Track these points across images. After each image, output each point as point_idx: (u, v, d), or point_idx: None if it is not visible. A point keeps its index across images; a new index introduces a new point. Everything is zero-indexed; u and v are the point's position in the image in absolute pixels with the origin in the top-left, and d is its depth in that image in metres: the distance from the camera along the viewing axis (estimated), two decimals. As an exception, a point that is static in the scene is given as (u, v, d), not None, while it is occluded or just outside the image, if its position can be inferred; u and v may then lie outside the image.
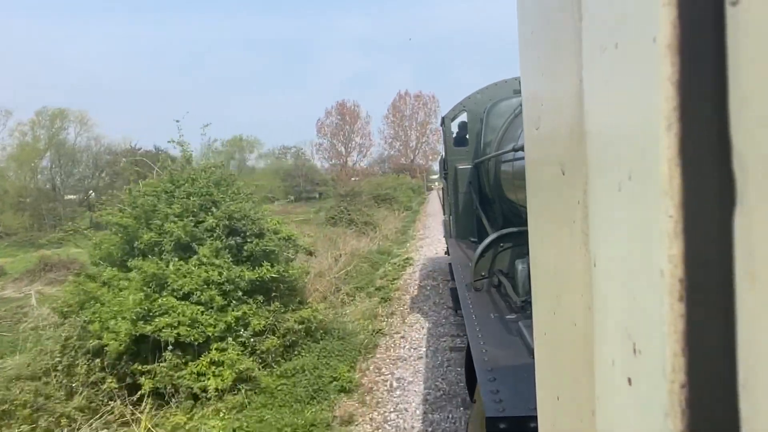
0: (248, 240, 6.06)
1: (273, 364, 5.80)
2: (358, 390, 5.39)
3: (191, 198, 6.19)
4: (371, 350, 6.55)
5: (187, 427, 4.70)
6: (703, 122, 0.36)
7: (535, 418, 0.82)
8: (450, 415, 4.67)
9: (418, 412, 4.83)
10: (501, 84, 7.03)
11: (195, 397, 5.09)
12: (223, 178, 6.95)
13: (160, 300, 5.24)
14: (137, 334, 5.01)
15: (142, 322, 5.07)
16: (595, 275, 0.52)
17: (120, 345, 4.90)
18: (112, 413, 4.80)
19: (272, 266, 6.03)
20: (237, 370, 5.17)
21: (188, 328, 5.15)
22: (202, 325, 5.27)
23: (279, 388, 5.33)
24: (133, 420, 4.72)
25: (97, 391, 4.99)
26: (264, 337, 5.81)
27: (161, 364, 5.05)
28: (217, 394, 5.03)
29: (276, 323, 6.05)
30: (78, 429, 4.56)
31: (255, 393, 5.23)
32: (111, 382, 4.96)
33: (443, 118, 7.66)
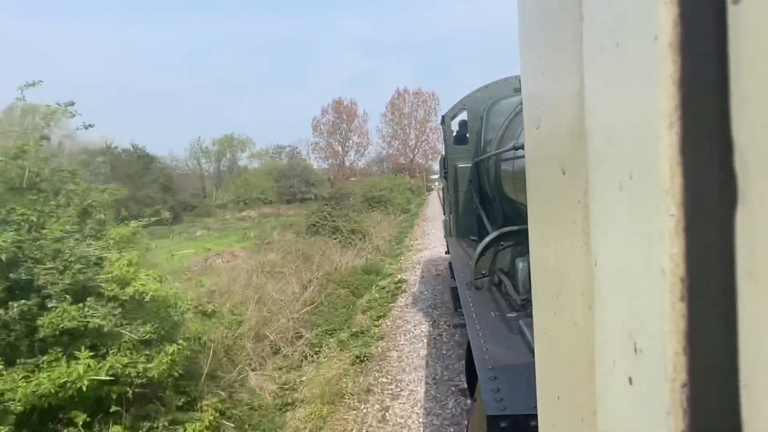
0: (49, 306, 3.07)
1: None
2: None
3: None
4: None
5: None
6: (704, 121, 0.36)
7: (535, 416, 0.82)
8: None
9: None
10: (501, 82, 7.02)
11: None
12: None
13: None
14: None
15: None
16: (596, 274, 0.52)
17: None
18: None
19: (104, 357, 3.08)
20: None
21: None
22: None
23: None
24: None
25: None
26: None
27: None
28: None
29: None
30: None
31: None
32: None
33: (443, 117, 7.66)
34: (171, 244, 22.48)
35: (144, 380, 3.21)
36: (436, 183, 54.15)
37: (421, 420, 4.40)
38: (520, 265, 3.37)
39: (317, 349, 6.30)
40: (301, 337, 6.55)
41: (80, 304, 3.16)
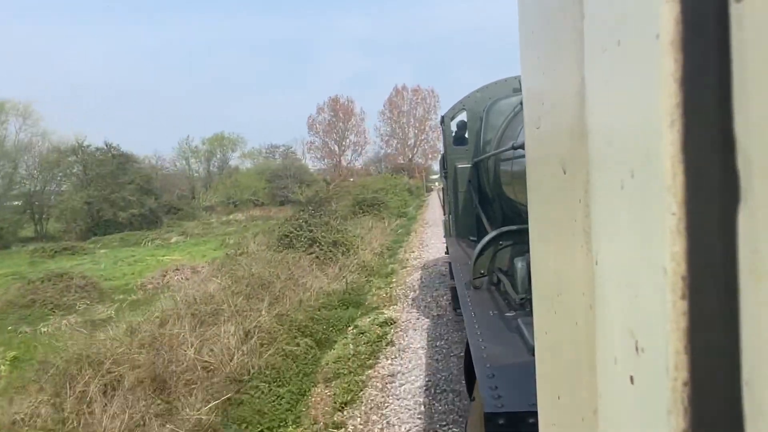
0: None
1: None
2: None
3: None
4: None
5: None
6: (706, 119, 0.36)
7: (533, 414, 0.83)
8: None
9: None
10: (501, 83, 7.03)
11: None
12: None
13: None
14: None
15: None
16: (597, 273, 0.52)
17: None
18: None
19: None
20: None
21: None
22: None
23: None
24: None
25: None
26: None
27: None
28: None
29: None
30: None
31: None
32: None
33: (443, 117, 7.66)
34: (141, 252, 20.41)
35: None
36: (436, 183, 51.91)
37: None
38: (519, 264, 3.37)
39: None
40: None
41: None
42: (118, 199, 32.19)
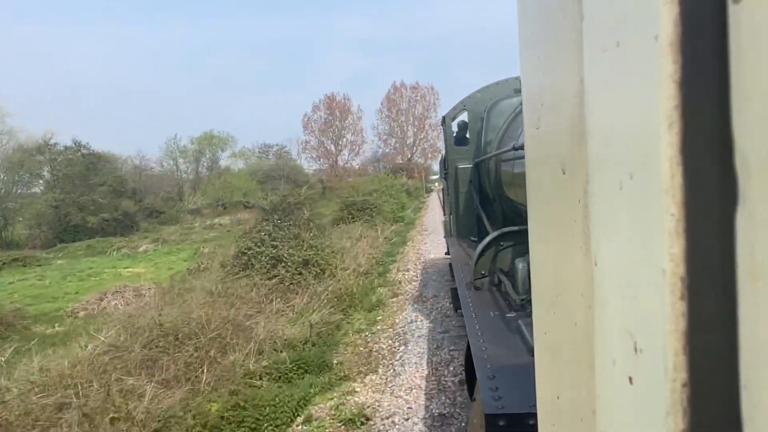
0: None
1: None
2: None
3: None
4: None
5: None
6: (704, 120, 0.36)
7: (533, 416, 0.82)
8: None
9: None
10: (501, 83, 7.03)
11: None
12: None
13: None
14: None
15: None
16: (596, 274, 0.52)
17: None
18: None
19: None
20: None
21: None
22: None
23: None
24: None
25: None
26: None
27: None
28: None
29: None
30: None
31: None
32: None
33: (444, 118, 7.67)
34: (103, 264, 18.51)
35: None
36: (436, 184, 49.56)
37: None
38: (520, 265, 3.37)
39: None
40: None
41: None
42: (87, 202, 29.49)
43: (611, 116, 0.47)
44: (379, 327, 7.04)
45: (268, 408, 4.37)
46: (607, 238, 0.49)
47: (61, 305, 11.87)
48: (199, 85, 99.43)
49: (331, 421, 4.36)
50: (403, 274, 10.65)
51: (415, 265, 11.54)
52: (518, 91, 6.18)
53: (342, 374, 5.32)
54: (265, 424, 4.24)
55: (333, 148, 58.37)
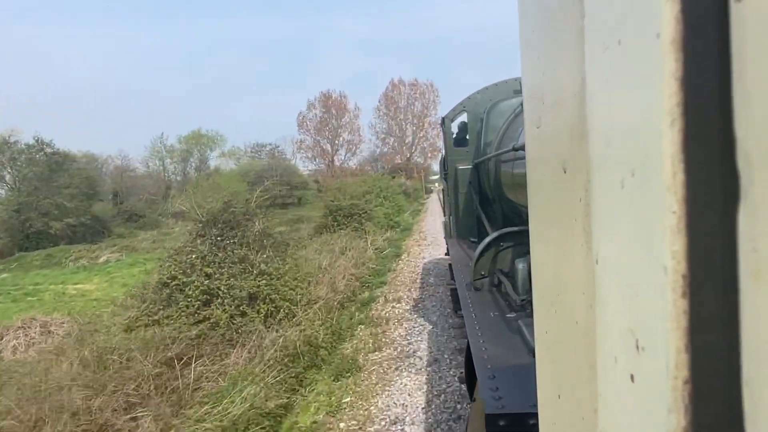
0: None
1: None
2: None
3: None
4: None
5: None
6: (706, 118, 0.36)
7: (534, 415, 0.83)
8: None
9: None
10: (501, 84, 7.04)
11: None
12: None
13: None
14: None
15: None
16: (597, 272, 0.52)
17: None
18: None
19: None
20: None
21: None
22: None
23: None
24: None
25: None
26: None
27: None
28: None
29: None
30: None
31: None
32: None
33: (443, 119, 7.68)
34: (52, 278, 16.10)
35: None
36: (436, 184, 47.97)
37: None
38: (520, 266, 3.37)
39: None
40: None
41: None
42: (50, 206, 26.19)
43: (612, 114, 0.47)
44: (344, 423, 4.31)
45: None
46: (609, 236, 0.49)
47: None
48: (199, 85, 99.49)
49: None
50: (393, 308, 7.73)
51: (410, 290, 8.79)
52: (518, 92, 6.19)
53: None
54: None
55: (329, 148, 55.92)
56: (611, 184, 0.47)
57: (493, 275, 3.94)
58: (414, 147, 56.74)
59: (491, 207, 6.14)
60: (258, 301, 6.59)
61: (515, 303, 3.27)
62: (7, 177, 29.10)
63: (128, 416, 3.89)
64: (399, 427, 4.14)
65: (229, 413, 4.09)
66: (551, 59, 0.67)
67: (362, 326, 7.08)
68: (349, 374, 5.32)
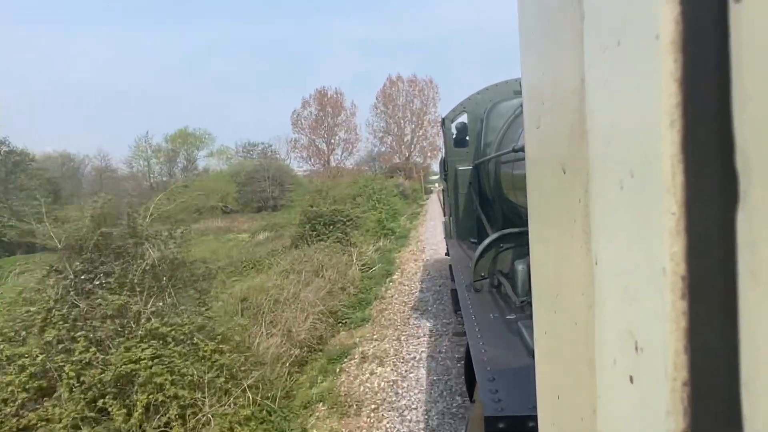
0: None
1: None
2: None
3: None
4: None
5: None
6: (705, 119, 0.36)
7: (533, 418, 0.82)
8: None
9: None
10: (501, 85, 7.05)
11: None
12: None
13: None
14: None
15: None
16: (597, 273, 0.52)
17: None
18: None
19: None
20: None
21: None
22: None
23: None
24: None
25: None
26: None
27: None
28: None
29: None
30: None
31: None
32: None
33: (443, 119, 7.69)
34: None
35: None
36: (436, 184, 45.38)
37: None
38: (520, 267, 3.37)
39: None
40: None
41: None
42: (2, 209, 23.00)
43: (612, 115, 0.47)
44: None
45: None
46: (608, 237, 0.49)
47: None
48: (198, 86, 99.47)
49: None
50: (371, 376, 5.13)
51: (399, 339, 6.18)
52: (518, 93, 6.20)
53: None
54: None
55: (325, 147, 53.20)
56: (610, 185, 0.47)
57: (493, 276, 3.94)
58: (413, 146, 54.41)
59: (491, 208, 6.14)
60: (136, 388, 3.73)
61: (515, 304, 3.27)
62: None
63: None
64: None
65: None
66: (551, 60, 0.67)
67: (323, 406, 4.53)
68: None
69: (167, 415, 3.67)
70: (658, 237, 0.38)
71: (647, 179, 0.40)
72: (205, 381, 4.04)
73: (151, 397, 3.68)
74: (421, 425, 4.07)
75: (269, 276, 8.51)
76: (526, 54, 0.83)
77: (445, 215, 9.92)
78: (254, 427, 4.04)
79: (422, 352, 5.79)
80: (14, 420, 3.44)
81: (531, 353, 2.43)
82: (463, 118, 7.50)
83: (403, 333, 6.52)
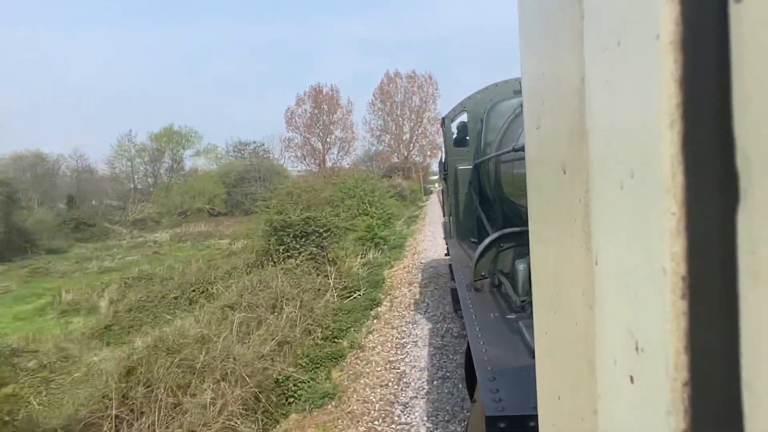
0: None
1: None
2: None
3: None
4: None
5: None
6: (706, 119, 0.36)
7: (534, 417, 0.83)
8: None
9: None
10: (501, 84, 7.04)
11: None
12: None
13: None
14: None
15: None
16: (597, 273, 0.52)
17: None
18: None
19: None
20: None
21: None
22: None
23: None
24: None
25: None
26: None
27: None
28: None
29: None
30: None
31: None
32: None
33: (443, 119, 7.69)
34: None
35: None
36: (436, 185, 42.84)
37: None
38: (520, 266, 3.37)
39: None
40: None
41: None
42: None
43: (612, 115, 0.47)
44: None
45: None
46: (608, 237, 0.49)
47: None
48: (198, 86, 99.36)
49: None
50: None
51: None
52: (517, 93, 6.19)
53: None
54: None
55: (320, 146, 50.61)
56: (611, 185, 0.47)
57: (493, 276, 3.94)
58: (412, 145, 51.97)
59: (491, 207, 6.14)
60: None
61: (515, 304, 3.27)
62: None
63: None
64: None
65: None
66: (551, 60, 0.67)
67: None
68: None
69: None
70: (659, 237, 0.38)
71: (647, 179, 0.40)
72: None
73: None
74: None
75: (202, 315, 6.03)
76: (526, 54, 0.83)
77: (444, 215, 9.87)
78: None
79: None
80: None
81: (531, 353, 2.44)
82: (463, 118, 7.50)
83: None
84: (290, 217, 10.49)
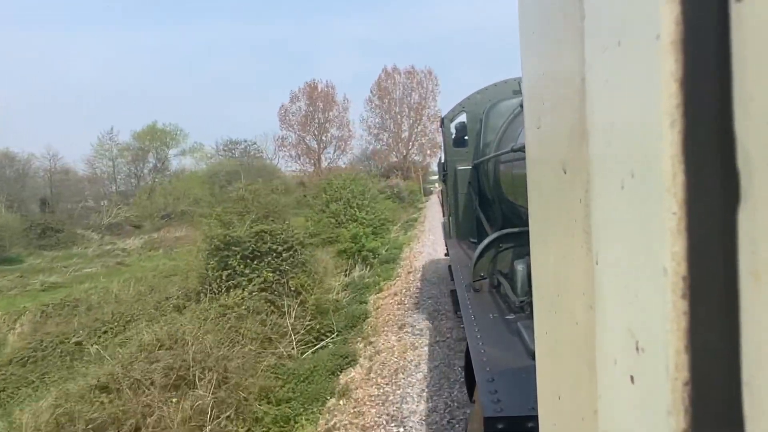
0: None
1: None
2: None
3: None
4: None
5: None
6: (706, 119, 0.36)
7: (533, 418, 0.82)
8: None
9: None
10: (500, 85, 7.05)
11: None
12: None
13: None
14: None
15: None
16: (597, 273, 0.52)
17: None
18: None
19: None
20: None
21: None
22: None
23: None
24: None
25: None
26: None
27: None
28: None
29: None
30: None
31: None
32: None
33: (443, 119, 7.69)
34: None
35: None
36: (436, 185, 39.59)
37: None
38: (519, 267, 3.37)
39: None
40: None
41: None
42: None
43: (612, 115, 0.47)
44: None
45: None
46: (609, 237, 0.49)
47: None
48: (198, 86, 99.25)
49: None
50: None
51: None
52: (517, 93, 6.20)
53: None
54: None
55: (315, 145, 48.38)
56: (611, 185, 0.47)
57: (492, 276, 3.94)
58: (411, 143, 49.36)
59: (491, 208, 6.14)
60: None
61: (514, 304, 3.27)
62: None
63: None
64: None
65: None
66: (551, 60, 0.67)
67: None
68: None
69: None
70: (659, 237, 0.38)
71: (648, 179, 0.40)
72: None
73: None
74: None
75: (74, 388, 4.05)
76: (526, 54, 0.83)
77: (444, 216, 9.88)
78: None
79: None
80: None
81: (530, 354, 2.44)
82: (463, 118, 7.50)
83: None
84: (236, 232, 7.57)
